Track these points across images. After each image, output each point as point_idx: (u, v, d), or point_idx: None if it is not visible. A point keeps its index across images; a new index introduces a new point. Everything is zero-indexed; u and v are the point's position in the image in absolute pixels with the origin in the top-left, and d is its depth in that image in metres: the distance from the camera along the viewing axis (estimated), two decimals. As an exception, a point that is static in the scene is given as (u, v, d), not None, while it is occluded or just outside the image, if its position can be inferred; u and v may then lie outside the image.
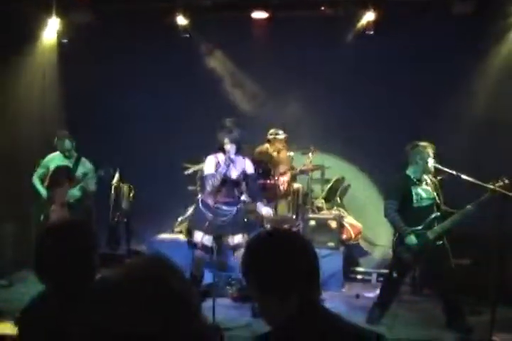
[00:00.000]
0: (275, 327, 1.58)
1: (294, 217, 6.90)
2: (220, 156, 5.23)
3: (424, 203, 4.88)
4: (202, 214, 5.30)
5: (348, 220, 6.86)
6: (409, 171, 4.95)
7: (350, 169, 7.47)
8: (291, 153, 7.04)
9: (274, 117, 7.08)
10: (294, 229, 6.57)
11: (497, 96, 6.55)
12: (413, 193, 4.86)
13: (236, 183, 5.32)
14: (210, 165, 5.24)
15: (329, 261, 6.05)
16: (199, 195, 5.64)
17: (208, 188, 5.20)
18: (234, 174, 5.23)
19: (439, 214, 4.89)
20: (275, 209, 6.63)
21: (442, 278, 4.84)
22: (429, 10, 6.59)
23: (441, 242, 4.85)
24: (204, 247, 5.28)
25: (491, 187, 4.62)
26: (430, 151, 4.86)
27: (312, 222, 6.52)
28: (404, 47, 6.69)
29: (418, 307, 5.56)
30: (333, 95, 7.06)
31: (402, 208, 4.86)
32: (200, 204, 5.37)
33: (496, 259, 4.48)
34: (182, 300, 1.13)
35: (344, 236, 6.63)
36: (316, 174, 7.26)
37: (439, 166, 4.88)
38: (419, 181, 4.92)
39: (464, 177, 4.76)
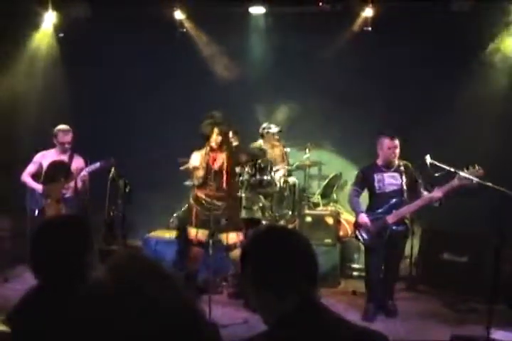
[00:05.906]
0: (273, 325, 1.56)
1: (290, 213, 6.86)
2: (204, 149, 5.26)
3: (387, 189, 5.09)
4: (191, 208, 5.32)
5: (345, 216, 6.84)
6: (378, 160, 5.20)
7: (347, 166, 7.44)
8: (288, 149, 7.00)
9: (270, 113, 7.04)
10: (290, 226, 6.55)
11: (497, 91, 6.54)
12: (375, 180, 5.11)
13: (224, 176, 5.21)
14: (195, 158, 5.29)
15: (326, 257, 6.06)
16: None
17: (195, 181, 5.26)
18: (217, 164, 5.21)
19: (397, 199, 5.02)
20: (271, 205, 6.60)
21: (391, 262, 5.15)
22: (428, 6, 6.56)
23: (401, 227, 5.03)
24: (199, 243, 5.26)
25: (462, 174, 4.72)
26: (387, 141, 5.06)
27: (308, 218, 6.51)
28: (403, 43, 6.66)
29: (413, 304, 5.55)
30: (331, 91, 7.02)
31: (369, 194, 5.24)
32: (191, 199, 5.37)
33: (493, 256, 4.47)
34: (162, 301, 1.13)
35: (341, 233, 6.61)
36: (314, 170, 7.25)
37: (436, 163, 4.88)
38: (387, 168, 5.11)
39: (462, 174, 4.75)
